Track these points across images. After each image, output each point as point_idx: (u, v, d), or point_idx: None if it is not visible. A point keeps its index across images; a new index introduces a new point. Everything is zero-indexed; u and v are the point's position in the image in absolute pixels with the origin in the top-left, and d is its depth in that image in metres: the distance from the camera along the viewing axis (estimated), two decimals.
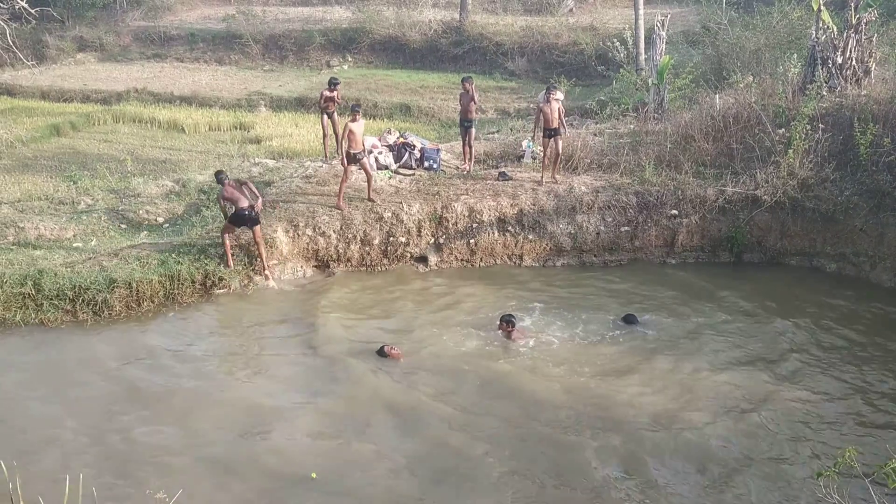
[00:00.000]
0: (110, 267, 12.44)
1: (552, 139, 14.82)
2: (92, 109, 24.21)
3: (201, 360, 11.01)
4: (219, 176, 13.00)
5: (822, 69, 16.34)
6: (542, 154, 16.24)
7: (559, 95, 17.61)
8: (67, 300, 11.80)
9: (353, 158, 13.97)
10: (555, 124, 14.72)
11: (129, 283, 12.07)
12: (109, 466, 8.71)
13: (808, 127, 14.40)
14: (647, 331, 11.94)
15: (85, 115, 23.41)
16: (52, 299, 11.75)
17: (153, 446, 9.08)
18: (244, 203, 12.66)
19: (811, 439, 9.36)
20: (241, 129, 22.51)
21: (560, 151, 15.01)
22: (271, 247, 13.39)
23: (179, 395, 10.13)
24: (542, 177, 15.05)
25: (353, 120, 13.83)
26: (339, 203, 14.14)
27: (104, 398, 9.99)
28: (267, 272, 13.10)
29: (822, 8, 16.86)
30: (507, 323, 11.54)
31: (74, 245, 13.64)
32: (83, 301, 11.81)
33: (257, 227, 12.80)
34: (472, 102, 15.35)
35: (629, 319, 12.11)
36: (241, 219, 12.70)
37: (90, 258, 12.88)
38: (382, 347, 11.05)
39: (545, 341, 11.58)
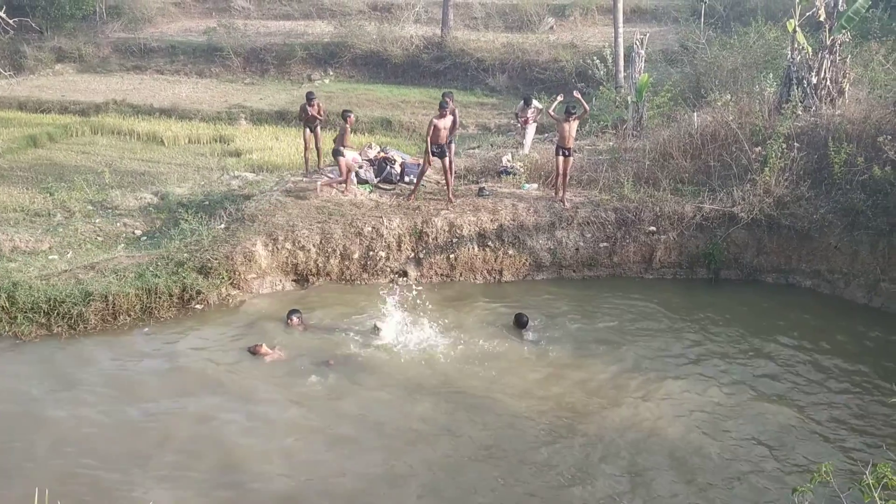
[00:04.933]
0: (86, 280, 12.32)
1: (564, 158, 14.84)
2: (70, 121, 24.01)
3: (178, 373, 10.92)
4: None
5: (797, 89, 16.59)
6: (524, 170, 16.38)
7: (537, 105, 17.82)
8: (42, 313, 11.66)
9: (434, 152, 14.59)
10: (569, 143, 14.77)
11: (106, 297, 11.95)
12: (80, 481, 8.61)
13: (784, 145, 14.61)
14: (533, 338, 12.10)
15: (63, 126, 23.20)
16: (26, 312, 11.61)
17: (124, 461, 8.97)
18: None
19: (785, 455, 9.43)
20: (221, 141, 22.41)
21: (567, 174, 14.97)
22: (250, 261, 13.32)
23: (153, 410, 10.03)
24: (560, 195, 15.04)
25: (440, 116, 14.48)
26: (413, 196, 15.07)
27: (78, 412, 9.88)
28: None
29: (798, 29, 17.15)
30: (294, 318, 12.11)
31: (50, 257, 13.49)
32: (58, 314, 11.68)
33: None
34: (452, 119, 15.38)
35: (521, 321, 12.23)
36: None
37: (66, 271, 12.74)
38: (251, 347, 11.43)
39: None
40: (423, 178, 15.99)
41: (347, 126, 15.34)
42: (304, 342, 11.81)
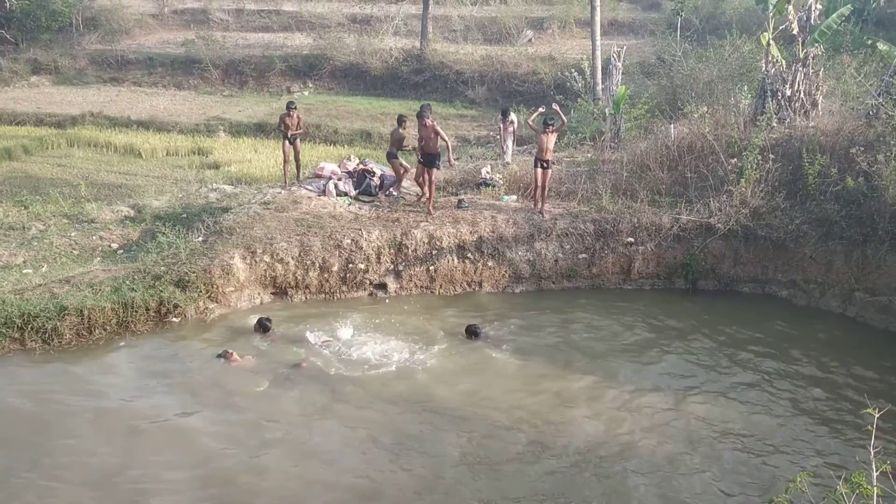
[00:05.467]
0: (61, 294, 12.17)
1: (543, 170, 14.88)
2: (45, 133, 23.78)
3: (152, 390, 10.82)
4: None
5: (771, 101, 16.81)
6: (504, 182, 16.45)
7: (513, 118, 18.00)
8: (16, 328, 11.49)
9: (422, 161, 14.86)
10: (548, 155, 14.81)
11: (81, 311, 11.81)
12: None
13: (760, 157, 14.77)
14: (492, 347, 12.13)
15: (38, 138, 22.98)
16: None
17: (84, 480, 8.86)
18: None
19: (759, 464, 9.48)
20: (199, 154, 22.31)
21: (546, 186, 15.03)
22: (228, 274, 13.24)
23: (119, 428, 9.93)
24: (539, 206, 15.10)
25: (423, 125, 14.63)
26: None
27: (36, 427, 9.74)
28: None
29: (772, 42, 17.40)
30: (263, 327, 12.19)
31: (24, 271, 13.33)
32: (32, 329, 11.52)
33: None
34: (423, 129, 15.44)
35: (473, 331, 12.35)
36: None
37: (40, 285, 12.59)
38: (223, 352, 11.47)
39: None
40: (403, 189, 16.06)
41: (402, 130, 15.50)
42: (273, 352, 11.79)
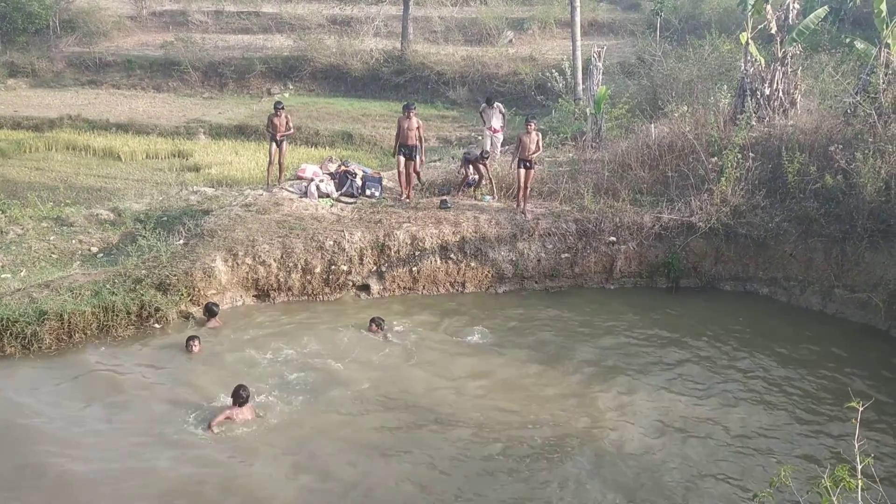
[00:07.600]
0: (41, 298, 12.03)
1: (525, 170, 14.90)
2: (23, 136, 23.47)
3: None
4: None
5: (751, 100, 16.94)
6: (484, 182, 16.44)
7: (499, 106, 18.05)
8: None
9: (402, 153, 15.33)
10: (530, 155, 14.82)
11: (61, 315, 11.67)
12: None
13: (739, 156, 14.88)
14: (398, 339, 12.23)
15: (16, 142, 22.69)
16: None
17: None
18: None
19: (742, 461, 9.52)
20: (179, 156, 22.13)
21: (528, 186, 15.06)
22: (209, 276, 13.14)
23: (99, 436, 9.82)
24: (521, 206, 15.12)
25: (407, 118, 15.20)
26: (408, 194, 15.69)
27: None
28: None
29: (750, 42, 17.53)
30: (209, 311, 12.42)
31: (3, 276, 13.16)
32: (11, 334, 11.36)
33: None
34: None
35: (377, 323, 12.45)
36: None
37: (19, 290, 12.43)
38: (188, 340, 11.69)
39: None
40: (384, 188, 16.03)
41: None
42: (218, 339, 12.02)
